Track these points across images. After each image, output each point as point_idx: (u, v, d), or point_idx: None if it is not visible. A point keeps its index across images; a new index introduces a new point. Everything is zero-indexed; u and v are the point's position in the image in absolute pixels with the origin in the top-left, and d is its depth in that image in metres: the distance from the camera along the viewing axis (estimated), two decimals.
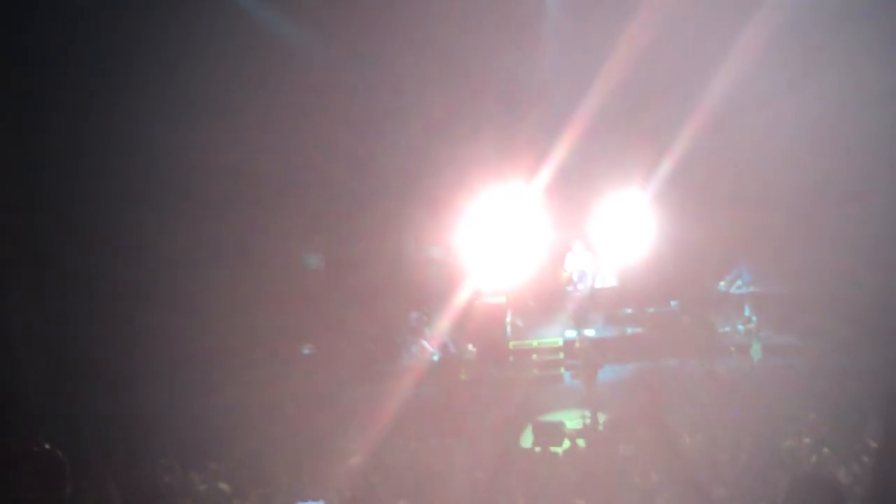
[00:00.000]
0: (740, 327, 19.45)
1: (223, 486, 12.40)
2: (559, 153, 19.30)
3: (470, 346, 19.28)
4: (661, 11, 18.06)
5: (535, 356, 19.39)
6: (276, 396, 16.81)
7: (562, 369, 19.10)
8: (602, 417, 16.26)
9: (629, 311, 19.97)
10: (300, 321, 18.92)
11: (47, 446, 5.17)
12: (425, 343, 19.42)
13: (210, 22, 17.74)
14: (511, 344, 19.39)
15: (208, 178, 17.90)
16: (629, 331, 19.72)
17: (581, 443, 14.95)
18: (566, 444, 14.88)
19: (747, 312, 19.54)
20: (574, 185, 19.95)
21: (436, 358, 18.75)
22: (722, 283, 19.91)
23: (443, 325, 19.00)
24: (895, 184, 17.95)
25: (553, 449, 14.65)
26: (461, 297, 18.93)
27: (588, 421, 16.46)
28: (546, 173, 19.53)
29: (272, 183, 18.85)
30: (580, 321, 19.51)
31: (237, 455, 14.09)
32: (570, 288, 19.78)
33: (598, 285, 19.99)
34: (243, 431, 14.96)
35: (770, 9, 18.10)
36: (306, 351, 19.08)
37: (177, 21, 17.31)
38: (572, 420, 16.40)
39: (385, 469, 13.47)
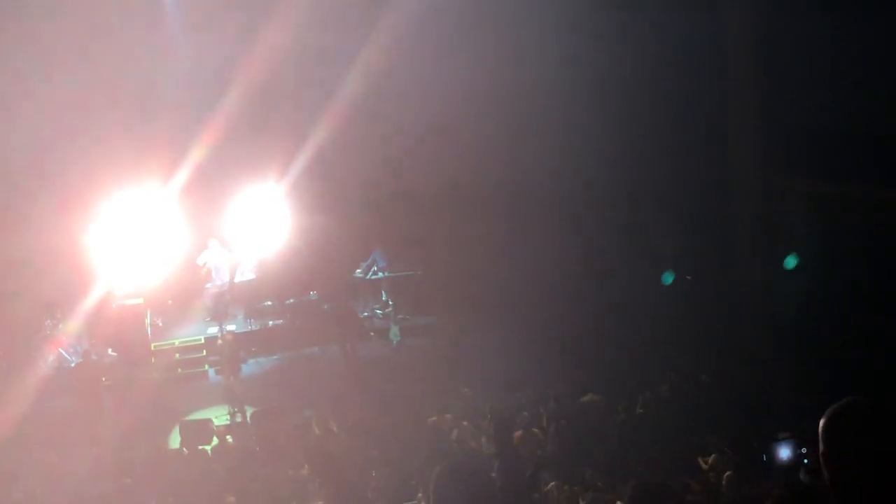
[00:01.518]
0: (378, 312, 20.17)
1: None
2: (193, 151, 19.14)
3: (109, 350, 18.76)
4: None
5: (177, 355, 19.14)
6: None
7: (206, 366, 18.97)
8: (249, 411, 16.33)
9: (269, 303, 20.13)
10: None
11: None
12: (62, 350, 18.61)
13: None
14: (152, 345, 19.01)
15: None
16: (271, 323, 19.90)
17: (230, 439, 14.94)
18: (215, 441, 14.84)
19: (384, 297, 20.29)
20: (208, 181, 19.84)
21: (73, 364, 18.01)
22: (358, 271, 20.54)
23: (79, 330, 18.32)
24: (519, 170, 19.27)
25: (202, 447, 14.58)
26: (94, 300, 18.30)
27: (237, 417, 16.49)
28: (180, 171, 19.29)
29: None
30: (220, 316, 19.45)
31: None
32: (208, 284, 19.66)
33: (236, 279, 20.01)
34: None
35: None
36: None
37: None
38: (219, 417, 16.38)
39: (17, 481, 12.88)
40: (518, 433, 12.52)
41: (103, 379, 17.70)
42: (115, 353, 18.57)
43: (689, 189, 18.54)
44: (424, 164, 19.61)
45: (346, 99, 19.16)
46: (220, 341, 18.79)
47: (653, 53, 18.21)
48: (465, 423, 13.50)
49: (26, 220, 18.94)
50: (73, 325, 18.69)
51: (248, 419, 16.04)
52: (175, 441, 15.54)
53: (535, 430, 12.86)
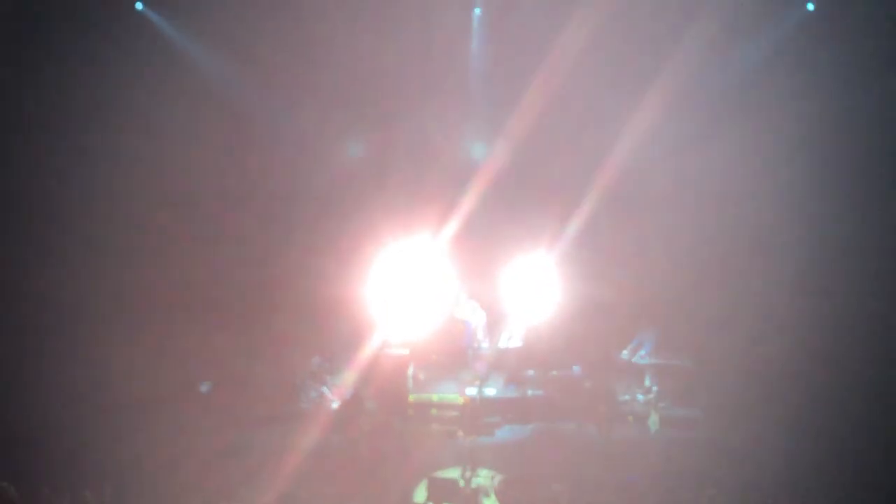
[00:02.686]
0: (640, 397, 19.56)
1: None
2: (467, 206, 19.47)
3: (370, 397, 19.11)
4: (566, 64, 18.39)
5: (434, 411, 19.23)
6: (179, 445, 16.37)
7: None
8: (498, 477, 16.15)
9: (531, 372, 19.95)
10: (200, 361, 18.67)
11: None
12: (325, 389, 19.18)
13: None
14: (411, 396, 19.20)
15: (112, 229, 17.87)
16: (530, 392, 19.67)
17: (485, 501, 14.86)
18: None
19: (647, 382, 19.69)
20: (481, 241, 20.11)
21: (335, 405, 18.47)
22: (625, 352, 20.06)
23: (346, 373, 18.80)
24: (804, 247, 18.31)
25: None
26: (366, 347, 18.78)
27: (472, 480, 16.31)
28: (454, 226, 19.65)
29: (176, 235, 18.66)
30: (482, 380, 19.45)
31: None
32: (475, 345, 19.85)
33: (501, 345, 20.04)
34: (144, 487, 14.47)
35: (673, 63, 18.55)
36: (205, 388, 18.70)
37: None
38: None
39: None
40: None
41: (360, 423, 18.09)
42: (374, 400, 18.85)
43: None
44: (704, 240, 19.01)
45: (622, 163, 18.96)
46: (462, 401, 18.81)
47: None
48: None
49: (304, 267, 19.84)
50: (341, 368, 19.29)
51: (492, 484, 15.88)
52: (421, 496, 15.57)
53: None
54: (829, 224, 18.23)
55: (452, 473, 16.18)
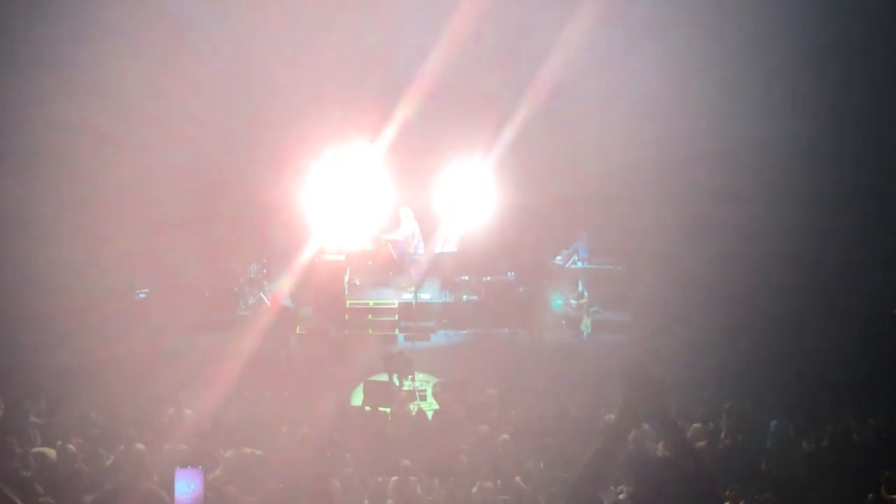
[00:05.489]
0: (573, 301, 19.96)
1: (69, 446, 11.94)
2: (402, 115, 19.52)
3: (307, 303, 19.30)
4: None
5: (370, 316, 19.51)
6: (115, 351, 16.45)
7: (396, 331, 19.27)
8: (433, 381, 16.50)
9: (466, 278, 20.22)
10: (137, 267, 18.68)
11: None
12: (263, 295, 19.35)
13: None
14: (348, 302, 19.43)
15: (45, 133, 17.64)
16: (465, 298, 19.99)
17: (412, 406, 15.12)
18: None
19: (580, 287, 20.06)
20: (415, 149, 20.21)
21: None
22: (559, 258, 20.36)
23: (282, 278, 18.94)
24: (734, 154, 18.62)
25: (382, 409, 14.80)
26: (304, 254, 18.92)
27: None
28: (389, 134, 19.74)
29: (111, 139, 18.47)
30: (417, 284, 19.70)
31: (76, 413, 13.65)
32: (410, 251, 20.06)
33: (438, 251, 20.25)
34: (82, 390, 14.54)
35: None
36: (142, 294, 18.75)
37: None
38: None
39: (219, 420, 13.32)
40: (701, 444, 12.22)
41: (297, 328, 18.33)
42: (311, 307, 19.05)
43: None
44: (636, 147, 19.25)
45: (555, 73, 19.07)
46: (414, 307, 19.09)
47: None
48: (645, 426, 13.15)
49: (242, 175, 19.83)
50: (278, 274, 19.44)
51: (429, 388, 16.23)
52: (358, 399, 15.88)
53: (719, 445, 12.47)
54: (756, 132, 18.47)
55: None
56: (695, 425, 13.12)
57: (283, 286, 18.69)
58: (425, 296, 19.82)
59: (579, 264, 20.12)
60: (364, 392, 15.72)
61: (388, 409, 14.67)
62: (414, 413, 14.57)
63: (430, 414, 14.70)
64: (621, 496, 9.80)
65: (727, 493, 10.36)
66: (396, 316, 19.49)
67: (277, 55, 19.48)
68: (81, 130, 18.00)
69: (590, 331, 18.89)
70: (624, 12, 19.00)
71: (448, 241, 20.45)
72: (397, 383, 16.22)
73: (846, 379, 14.87)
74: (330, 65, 19.81)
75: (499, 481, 11.69)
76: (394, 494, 11.39)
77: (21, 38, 18.17)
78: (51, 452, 11.53)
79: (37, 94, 17.81)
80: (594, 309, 19.50)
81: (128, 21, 18.60)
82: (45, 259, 17.24)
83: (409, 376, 16.45)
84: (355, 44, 19.88)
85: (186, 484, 7.94)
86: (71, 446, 11.83)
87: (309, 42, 19.60)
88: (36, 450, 11.66)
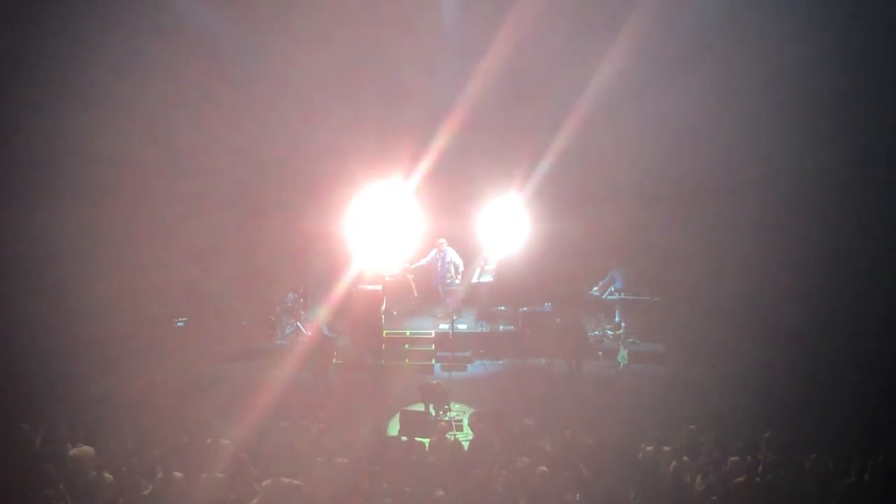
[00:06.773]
0: (609, 332, 19.90)
1: (107, 475, 12.00)
2: (438, 145, 19.66)
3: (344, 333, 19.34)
4: (537, 7, 18.50)
5: (407, 346, 19.55)
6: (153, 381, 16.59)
7: (433, 360, 19.27)
8: (469, 411, 16.46)
9: (503, 308, 20.22)
10: (176, 297, 18.85)
11: None
12: (300, 324, 19.45)
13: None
14: (384, 332, 19.47)
15: (88, 167, 17.84)
16: (501, 328, 19.98)
17: (450, 436, 15.05)
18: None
19: (617, 318, 20.02)
20: (453, 179, 20.32)
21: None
22: (595, 289, 20.32)
23: (319, 307, 19.01)
24: (770, 184, 18.54)
25: (419, 439, 14.75)
26: (341, 283, 19.01)
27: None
28: (426, 165, 19.88)
29: (153, 171, 18.72)
30: (454, 314, 19.71)
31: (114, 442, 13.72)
32: (448, 281, 20.13)
33: (474, 280, 20.31)
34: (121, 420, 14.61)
35: (639, 5, 18.70)
36: (180, 322, 18.90)
37: None
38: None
39: (255, 450, 13.34)
40: (740, 479, 12.12)
41: (334, 358, 18.37)
42: (348, 336, 19.10)
43: None
44: (672, 177, 19.23)
45: (591, 104, 19.12)
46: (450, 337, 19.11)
47: None
48: (685, 458, 13.07)
49: (279, 205, 20.02)
50: (315, 303, 19.52)
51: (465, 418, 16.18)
52: (394, 429, 15.88)
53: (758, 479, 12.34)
54: (792, 163, 18.43)
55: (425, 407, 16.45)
56: (732, 458, 13.00)
57: (321, 315, 18.76)
58: (462, 326, 19.86)
59: (616, 295, 20.08)
60: (400, 422, 15.73)
61: (426, 440, 14.63)
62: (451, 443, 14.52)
63: (465, 444, 14.63)
64: None
65: None
66: (433, 346, 19.51)
67: (316, 87, 19.70)
68: (123, 164, 18.24)
69: (626, 362, 18.79)
70: (661, 43, 19.04)
71: (485, 271, 20.51)
72: (433, 413, 16.23)
73: (887, 412, 14.71)
74: (367, 96, 20.00)
75: None
76: None
77: (66, 72, 18.38)
78: (90, 479, 11.60)
79: (80, 127, 18.05)
80: (631, 340, 19.42)
81: (169, 55, 18.85)
82: (87, 289, 17.42)
83: (446, 406, 16.47)
84: (392, 75, 20.06)
85: None
86: (108, 475, 11.91)
87: (346, 74, 19.80)
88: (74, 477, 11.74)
